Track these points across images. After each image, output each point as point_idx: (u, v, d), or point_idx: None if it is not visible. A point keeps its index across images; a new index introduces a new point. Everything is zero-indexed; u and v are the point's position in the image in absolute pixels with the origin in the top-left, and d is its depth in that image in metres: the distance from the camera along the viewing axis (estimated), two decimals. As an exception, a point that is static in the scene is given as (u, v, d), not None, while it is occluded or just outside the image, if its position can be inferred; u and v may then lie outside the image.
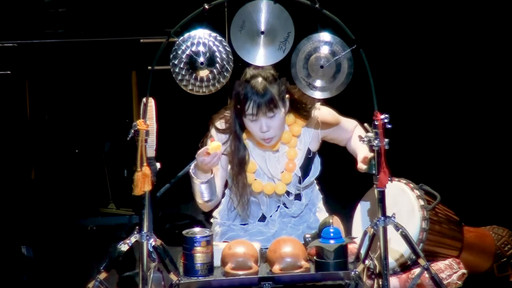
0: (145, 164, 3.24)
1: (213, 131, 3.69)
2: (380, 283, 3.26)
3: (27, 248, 4.44)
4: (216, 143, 3.46)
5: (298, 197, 3.74)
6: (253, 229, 3.72)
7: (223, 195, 3.76)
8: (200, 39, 3.38)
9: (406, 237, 3.29)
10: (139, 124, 3.24)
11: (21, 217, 4.64)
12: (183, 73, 3.40)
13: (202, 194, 3.54)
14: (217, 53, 3.39)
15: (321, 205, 3.84)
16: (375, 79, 3.27)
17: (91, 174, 5.28)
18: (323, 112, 3.70)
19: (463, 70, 5.97)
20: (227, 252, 3.31)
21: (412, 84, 6.04)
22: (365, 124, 3.34)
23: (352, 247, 3.40)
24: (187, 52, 3.37)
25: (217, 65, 3.40)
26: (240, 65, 3.60)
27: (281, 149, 3.69)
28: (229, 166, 3.71)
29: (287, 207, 3.74)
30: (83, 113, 5.22)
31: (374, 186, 3.30)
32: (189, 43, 3.38)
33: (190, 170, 3.52)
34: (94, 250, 4.45)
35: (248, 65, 3.52)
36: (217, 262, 3.33)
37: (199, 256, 3.26)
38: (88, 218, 4.91)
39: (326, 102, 3.66)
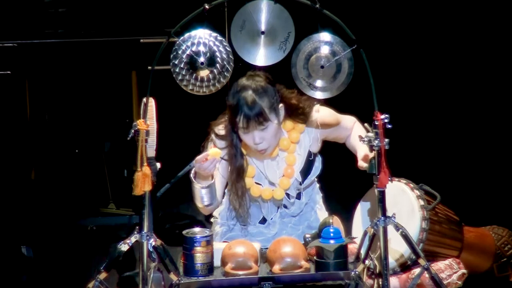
0: (145, 164, 3.24)
1: (213, 137, 3.67)
2: (380, 283, 3.26)
3: (27, 248, 4.44)
4: (215, 150, 3.46)
5: (298, 196, 3.74)
6: (253, 230, 3.72)
7: (224, 195, 3.75)
8: (201, 39, 3.38)
9: (406, 237, 3.29)
10: (139, 124, 3.24)
11: (21, 217, 4.64)
12: (183, 73, 3.40)
13: (202, 198, 3.54)
14: (217, 53, 3.39)
15: (321, 203, 3.83)
16: (375, 79, 3.27)
17: (91, 174, 5.28)
18: (322, 114, 3.68)
19: (463, 70, 5.97)
20: (227, 252, 3.31)
21: (412, 84, 6.04)
22: (365, 124, 3.34)
23: (352, 247, 3.40)
24: (188, 52, 3.38)
25: (217, 65, 3.40)
26: (240, 65, 3.60)
27: (280, 154, 3.68)
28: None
29: (287, 208, 3.74)
30: (83, 113, 5.22)
31: (374, 186, 3.30)
32: (189, 43, 3.38)
33: (191, 175, 3.52)
34: (94, 250, 4.45)
35: (249, 65, 3.51)
36: (217, 262, 3.33)
37: (199, 256, 3.26)
38: (88, 218, 4.90)
39: (326, 102, 3.66)
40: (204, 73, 3.40)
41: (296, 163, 3.67)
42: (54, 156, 5.18)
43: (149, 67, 3.84)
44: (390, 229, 3.28)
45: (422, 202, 3.53)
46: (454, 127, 5.90)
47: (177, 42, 3.38)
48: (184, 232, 3.31)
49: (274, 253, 3.30)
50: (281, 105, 3.57)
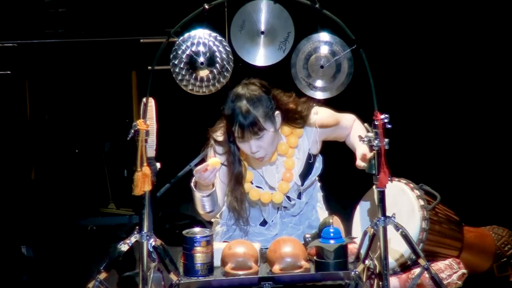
0: (145, 164, 3.24)
1: (213, 142, 3.67)
2: (380, 283, 3.26)
3: (27, 248, 4.44)
4: (215, 159, 3.46)
5: (298, 195, 3.73)
6: (254, 230, 3.72)
7: (224, 200, 3.74)
8: (200, 39, 3.38)
9: (406, 237, 3.29)
10: (139, 124, 3.23)
11: (21, 217, 4.64)
12: (183, 73, 3.40)
13: (204, 206, 3.54)
14: (217, 53, 3.39)
15: (322, 201, 3.83)
16: (375, 79, 3.27)
17: (91, 174, 5.28)
18: (321, 116, 3.67)
19: (463, 70, 5.97)
20: (227, 252, 3.31)
21: (412, 84, 6.04)
22: (365, 124, 3.34)
23: (352, 247, 3.40)
24: (187, 52, 3.38)
25: (217, 65, 3.40)
26: (240, 65, 3.60)
27: (279, 158, 3.67)
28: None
29: (287, 209, 3.73)
30: (83, 113, 5.22)
31: (374, 186, 3.30)
32: (189, 43, 3.38)
33: (191, 184, 3.52)
34: (94, 250, 4.45)
35: (249, 65, 3.51)
36: (217, 262, 3.33)
37: (199, 256, 3.26)
38: (88, 218, 4.90)
39: (325, 102, 3.65)
40: (204, 73, 3.40)
41: (295, 167, 3.67)
42: (54, 156, 5.18)
43: (149, 67, 3.84)
44: (390, 229, 3.28)
45: (422, 202, 3.53)
46: (454, 127, 5.90)
47: (177, 42, 3.38)
48: (184, 232, 3.31)
49: (274, 253, 3.30)
50: (277, 112, 3.55)
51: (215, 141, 3.65)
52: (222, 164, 3.62)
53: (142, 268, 3.24)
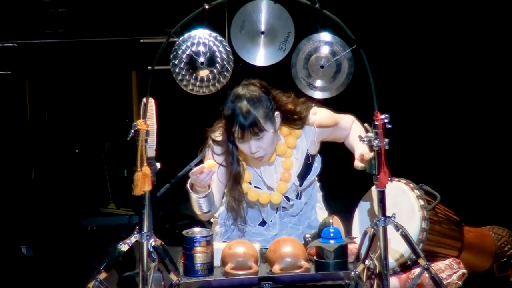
0: (145, 164, 3.24)
1: (211, 142, 3.67)
2: (380, 283, 3.26)
3: (27, 248, 4.44)
4: (211, 162, 3.46)
5: (297, 196, 3.73)
6: (253, 230, 3.72)
7: (222, 200, 3.75)
8: (200, 39, 3.38)
9: (406, 237, 3.29)
10: (139, 124, 3.23)
11: (21, 217, 4.64)
12: (183, 73, 3.40)
13: (200, 207, 3.54)
14: (217, 53, 3.39)
15: (321, 201, 3.83)
16: (375, 79, 3.27)
17: (91, 174, 5.28)
18: (320, 116, 3.66)
19: (463, 70, 5.97)
20: (227, 252, 3.31)
21: (412, 84, 6.03)
22: (365, 124, 3.34)
23: (352, 247, 3.40)
24: (187, 52, 3.38)
25: (217, 65, 3.40)
26: (240, 65, 3.60)
27: (277, 158, 3.67)
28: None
29: (286, 209, 3.73)
30: (83, 113, 5.22)
31: (374, 186, 3.30)
32: (189, 43, 3.38)
33: (187, 185, 3.51)
34: (94, 250, 4.45)
35: (249, 65, 3.51)
36: (217, 262, 3.33)
37: (199, 256, 3.26)
38: (88, 218, 4.91)
39: (325, 102, 3.65)
40: (204, 73, 3.40)
41: (293, 168, 3.66)
42: (54, 156, 5.18)
43: (149, 67, 3.84)
44: (390, 229, 3.28)
45: (422, 202, 3.53)
46: (454, 127, 5.90)
47: (177, 42, 3.38)
48: (184, 232, 3.31)
49: (274, 253, 3.30)
50: (277, 113, 3.56)
51: (214, 141, 3.65)
52: (220, 164, 3.62)
53: (142, 268, 3.24)
